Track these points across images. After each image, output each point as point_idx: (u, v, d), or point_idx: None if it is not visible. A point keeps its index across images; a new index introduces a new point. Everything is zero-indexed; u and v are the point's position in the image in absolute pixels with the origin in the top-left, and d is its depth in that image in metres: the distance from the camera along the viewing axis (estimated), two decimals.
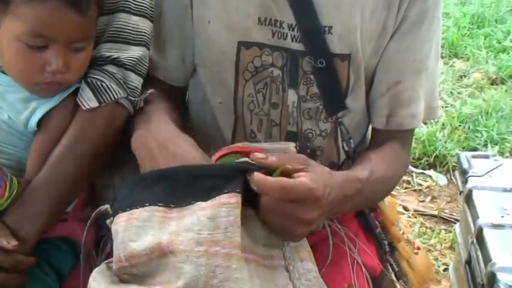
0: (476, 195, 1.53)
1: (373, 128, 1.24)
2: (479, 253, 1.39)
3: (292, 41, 1.12)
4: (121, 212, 0.91)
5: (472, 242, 1.44)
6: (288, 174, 0.89)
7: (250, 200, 0.90)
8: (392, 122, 1.18)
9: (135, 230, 0.88)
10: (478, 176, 1.59)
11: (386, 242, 1.24)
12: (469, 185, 1.56)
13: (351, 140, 1.20)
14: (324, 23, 1.10)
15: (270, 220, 0.90)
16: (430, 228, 2.44)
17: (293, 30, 1.11)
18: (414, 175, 2.73)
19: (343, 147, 1.21)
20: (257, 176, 0.87)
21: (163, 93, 1.19)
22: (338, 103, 1.16)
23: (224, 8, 1.12)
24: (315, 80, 1.14)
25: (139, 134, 1.05)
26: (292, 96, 1.15)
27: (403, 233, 1.28)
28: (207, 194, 0.88)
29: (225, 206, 0.86)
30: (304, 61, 1.12)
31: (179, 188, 0.91)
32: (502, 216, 1.44)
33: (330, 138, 1.20)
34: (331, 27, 1.10)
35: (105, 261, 0.94)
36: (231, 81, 1.16)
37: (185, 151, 0.99)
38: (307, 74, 1.14)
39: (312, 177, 0.89)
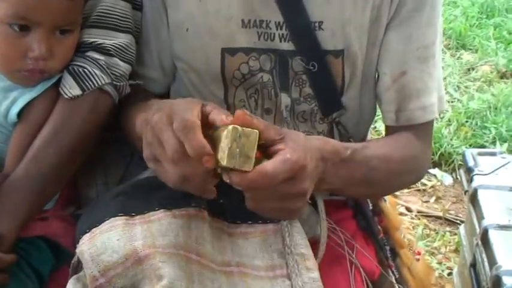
0: (481, 195, 1.54)
1: (385, 126, 1.23)
2: (484, 256, 1.40)
3: (280, 41, 1.11)
4: (82, 236, 0.95)
5: (477, 244, 1.45)
6: (265, 146, 0.91)
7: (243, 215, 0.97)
8: (402, 117, 1.17)
9: (100, 243, 0.92)
10: (484, 174, 1.60)
11: (388, 248, 1.24)
12: (474, 184, 1.58)
13: (351, 140, 1.20)
14: (313, 18, 1.10)
15: (265, 208, 0.93)
16: (434, 230, 2.45)
17: (281, 29, 1.11)
18: None
19: None
20: (235, 177, 0.87)
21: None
22: (334, 102, 1.17)
23: (203, 12, 1.12)
24: (307, 80, 1.14)
25: (142, 116, 1.03)
26: (285, 100, 1.15)
27: (404, 238, 1.29)
28: (169, 203, 0.96)
29: (194, 218, 0.95)
30: (294, 61, 1.13)
31: (139, 198, 0.98)
32: (509, 220, 1.45)
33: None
34: (322, 22, 1.10)
35: (74, 276, 0.96)
36: (220, 88, 1.17)
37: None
38: (298, 74, 1.14)
39: (292, 146, 0.90)
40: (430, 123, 1.21)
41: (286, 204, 0.93)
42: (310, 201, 1.08)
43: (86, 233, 0.96)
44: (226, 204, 1.02)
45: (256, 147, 0.87)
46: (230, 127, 0.86)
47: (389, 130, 1.21)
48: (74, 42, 1.09)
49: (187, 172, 0.89)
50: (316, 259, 1.01)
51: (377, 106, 1.24)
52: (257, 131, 0.87)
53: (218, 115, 0.89)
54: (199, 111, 0.90)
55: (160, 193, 1.00)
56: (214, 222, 1.00)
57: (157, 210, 0.97)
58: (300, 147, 0.92)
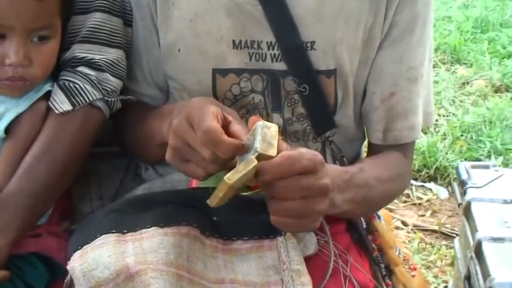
0: (475, 208, 1.55)
1: (369, 142, 1.24)
2: (478, 268, 1.40)
3: (272, 61, 1.12)
4: (73, 253, 0.96)
5: (471, 256, 1.46)
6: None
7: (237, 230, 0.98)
8: (389, 137, 1.19)
9: (92, 260, 0.92)
10: (478, 187, 1.61)
11: (383, 265, 1.24)
12: (467, 197, 1.58)
13: (344, 159, 1.20)
14: (305, 38, 1.10)
15: (288, 210, 0.91)
16: (430, 244, 2.44)
17: (273, 49, 1.11)
18: (414, 188, 2.74)
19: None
20: (262, 165, 0.88)
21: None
22: (326, 122, 1.17)
23: (194, 33, 1.12)
24: (299, 99, 1.14)
25: (167, 120, 1.03)
26: (277, 120, 1.15)
27: (399, 254, 1.29)
28: (162, 220, 0.97)
29: (186, 237, 0.95)
30: (286, 81, 1.13)
31: (131, 215, 0.99)
32: (502, 229, 1.45)
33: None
34: (314, 42, 1.10)
35: None
36: None
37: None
38: (290, 94, 1.14)
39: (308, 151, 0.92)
40: (414, 142, 1.24)
41: (310, 203, 0.90)
42: None
43: (78, 250, 0.96)
44: (220, 221, 1.02)
45: (277, 137, 0.89)
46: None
47: (374, 148, 1.22)
48: (54, 48, 1.09)
49: (220, 166, 0.91)
50: (324, 278, 1.02)
51: None
52: (276, 125, 0.90)
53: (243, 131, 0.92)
54: (218, 114, 0.92)
55: (153, 211, 1.00)
56: (208, 240, 1.00)
57: (149, 227, 0.97)
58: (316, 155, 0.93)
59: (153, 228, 0.97)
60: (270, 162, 0.88)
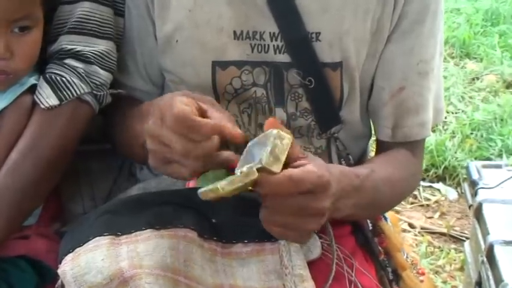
0: (486, 209, 1.55)
1: (377, 140, 1.24)
2: (490, 273, 1.40)
3: (275, 52, 1.12)
4: (65, 256, 0.96)
5: (482, 261, 1.46)
6: (286, 163, 0.91)
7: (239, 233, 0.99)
8: (399, 134, 1.19)
9: (84, 263, 0.92)
10: (489, 188, 1.61)
11: (390, 270, 1.24)
12: (479, 198, 1.58)
13: (350, 156, 1.20)
14: (310, 29, 1.10)
15: (277, 221, 0.92)
16: (439, 247, 2.45)
17: (276, 40, 1.11)
18: (421, 189, 2.74)
19: (340, 164, 1.20)
20: (261, 179, 0.88)
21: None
22: (332, 117, 1.17)
23: (192, 23, 1.12)
24: (303, 93, 1.14)
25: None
26: (280, 115, 1.15)
27: (406, 258, 1.29)
28: (158, 222, 0.97)
29: (183, 240, 0.95)
30: (289, 74, 1.13)
31: (125, 216, 0.99)
32: None
33: (326, 155, 1.20)
34: (319, 33, 1.10)
35: None
36: None
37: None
38: (294, 88, 1.14)
39: (316, 164, 0.92)
40: (424, 140, 1.24)
41: (301, 221, 0.92)
42: None
43: (69, 253, 0.96)
44: (219, 223, 1.02)
45: (287, 152, 0.88)
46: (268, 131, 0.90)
47: (383, 145, 1.22)
48: (37, 39, 1.09)
49: (201, 161, 0.91)
50: (327, 282, 1.02)
51: None
52: (291, 136, 0.89)
53: (232, 128, 0.92)
54: (189, 102, 0.92)
55: (148, 212, 1.00)
56: (206, 244, 1.00)
57: (145, 229, 0.98)
58: (323, 166, 0.93)
59: (148, 230, 0.97)
60: (270, 179, 0.88)
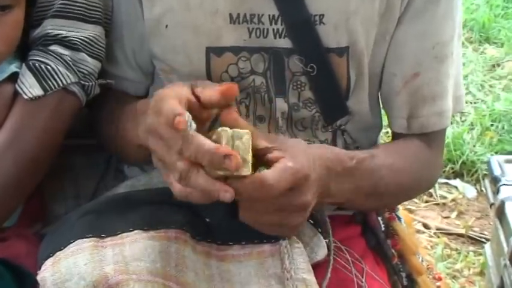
0: (509, 208, 1.55)
1: (393, 133, 1.24)
2: None
3: (275, 37, 1.11)
4: (44, 261, 0.96)
5: (505, 264, 1.46)
6: (260, 156, 0.91)
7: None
8: (414, 124, 1.18)
9: (65, 269, 0.92)
10: None
11: (404, 275, 1.24)
12: (501, 196, 1.59)
13: (359, 150, 1.19)
14: (313, 11, 1.09)
15: (261, 221, 0.93)
16: (456, 250, 2.45)
17: (276, 23, 1.10)
18: (437, 186, 2.75)
19: None
20: (233, 184, 0.87)
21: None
22: (338, 107, 1.16)
23: (184, 6, 1.11)
24: (307, 82, 1.14)
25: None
26: (281, 105, 1.15)
27: (422, 261, 1.29)
28: (146, 222, 0.97)
29: (174, 242, 0.95)
30: (291, 61, 1.13)
31: (110, 216, 0.98)
32: None
33: None
34: (323, 15, 1.10)
35: None
36: None
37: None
38: (296, 76, 1.14)
39: (292, 153, 0.91)
40: (444, 131, 1.23)
41: (285, 218, 0.93)
42: (312, 222, 1.09)
43: (49, 257, 0.96)
44: (214, 223, 1.02)
45: (251, 149, 0.88)
46: (219, 129, 0.88)
47: (399, 138, 1.22)
48: (18, 19, 1.08)
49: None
50: (321, 286, 1.01)
51: None
52: (248, 131, 0.88)
53: (206, 94, 0.91)
54: (181, 96, 0.91)
55: (136, 212, 1.00)
56: (199, 246, 1.00)
57: (132, 231, 0.97)
58: (301, 153, 0.93)
59: (136, 231, 0.97)
60: (242, 187, 0.87)
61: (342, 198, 1.05)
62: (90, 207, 1.04)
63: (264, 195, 0.88)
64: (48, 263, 0.95)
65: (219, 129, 0.88)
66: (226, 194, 0.86)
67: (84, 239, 0.96)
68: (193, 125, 0.87)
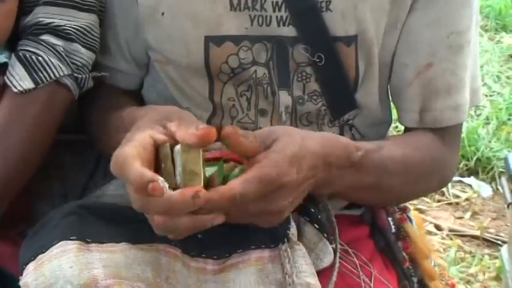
0: None
1: (404, 128, 1.24)
2: None
3: (279, 25, 1.11)
4: (26, 266, 0.95)
5: None
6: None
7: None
8: (427, 118, 1.18)
9: (50, 273, 0.91)
10: None
11: (416, 280, 1.25)
12: None
13: None
14: None
15: (237, 221, 0.92)
16: (470, 253, 2.46)
17: (279, 10, 1.10)
18: (450, 184, 2.75)
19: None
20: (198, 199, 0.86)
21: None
22: (346, 101, 1.17)
23: None
24: (312, 73, 1.14)
25: None
26: (284, 99, 1.15)
27: (434, 265, 1.29)
28: (133, 237, 0.97)
29: (163, 255, 0.96)
30: (295, 51, 1.13)
31: (96, 223, 0.98)
32: None
33: None
34: (330, 2, 1.10)
35: None
36: (204, 84, 1.16)
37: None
38: (301, 67, 1.14)
39: (274, 158, 0.90)
40: (460, 126, 1.23)
41: (261, 220, 0.93)
42: (317, 226, 1.09)
43: (31, 261, 0.95)
44: (207, 238, 1.01)
45: (201, 160, 0.87)
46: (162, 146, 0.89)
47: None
48: (11, 8, 1.08)
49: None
50: (331, 278, 1.02)
51: None
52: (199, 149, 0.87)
53: (181, 135, 0.88)
54: (151, 135, 0.90)
55: (122, 226, 1.00)
56: (194, 262, 1.00)
57: (119, 242, 0.97)
58: (285, 158, 0.91)
59: (123, 243, 0.97)
60: (209, 203, 0.86)
61: (339, 190, 1.04)
62: (74, 207, 1.03)
63: (232, 206, 0.87)
64: (30, 267, 0.94)
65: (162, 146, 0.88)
66: (218, 218, 0.87)
67: (69, 241, 0.95)
68: (166, 184, 0.85)
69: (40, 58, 1.09)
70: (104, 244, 0.96)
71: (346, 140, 1.04)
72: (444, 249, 2.44)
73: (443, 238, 2.52)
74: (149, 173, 0.83)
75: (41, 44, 1.11)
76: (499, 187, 2.63)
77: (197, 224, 0.86)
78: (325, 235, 1.09)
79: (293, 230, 1.03)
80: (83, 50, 1.13)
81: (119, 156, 0.86)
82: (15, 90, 1.08)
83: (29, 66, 1.09)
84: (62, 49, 1.11)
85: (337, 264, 1.08)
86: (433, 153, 1.18)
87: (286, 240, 1.01)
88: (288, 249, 1.00)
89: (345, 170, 1.01)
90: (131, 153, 0.86)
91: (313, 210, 1.10)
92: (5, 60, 1.11)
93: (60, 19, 1.12)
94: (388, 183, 1.10)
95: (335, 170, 0.99)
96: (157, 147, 0.89)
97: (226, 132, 0.88)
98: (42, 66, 1.09)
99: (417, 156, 1.14)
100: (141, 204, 0.86)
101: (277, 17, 1.11)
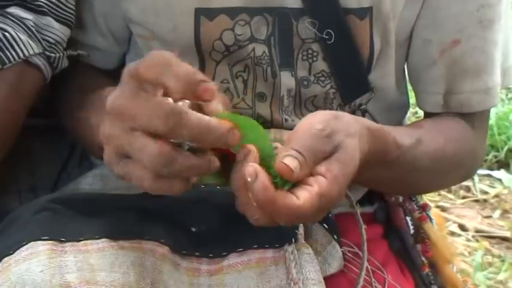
0: None
1: (424, 113, 1.25)
2: None
3: None
4: None
5: None
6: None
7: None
8: (453, 102, 1.19)
9: (17, 277, 0.91)
10: None
11: (436, 287, 1.25)
12: None
13: None
14: None
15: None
16: (499, 257, 2.47)
17: None
18: (476, 178, 2.77)
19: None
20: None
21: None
22: (358, 82, 1.17)
23: None
24: (320, 51, 1.14)
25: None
26: (287, 81, 1.15)
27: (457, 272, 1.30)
28: (115, 230, 0.97)
29: (149, 255, 0.96)
30: (300, 25, 1.13)
31: (72, 218, 0.99)
32: None
33: None
34: None
35: None
36: (194, 63, 1.16)
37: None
38: (307, 43, 1.14)
39: (337, 175, 0.87)
40: (488, 112, 1.24)
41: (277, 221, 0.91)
42: (327, 227, 1.09)
43: None
44: (202, 232, 1.02)
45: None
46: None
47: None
48: None
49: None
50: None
51: None
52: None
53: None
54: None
55: (104, 216, 1.00)
56: (185, 262, 0.99)
57: (98, 238, 0.97)
58: (346, 175, 0.88)
59: (103, 240, 0.97)
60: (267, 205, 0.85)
61: (367, 184, 1.10)
62: (47, 202, 1.03)
63: (285, 215, 0.85)
64: None
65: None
66: (234, 133, 0.83)
67: (40, 242, 0.94)
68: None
69: (7, 34, 1.09)
70: (81, 242, 0.96)
71: (393, 137, 1.04)
72: (469, 253, 2.46)
73: (468, 240, 2.53)
74: (202, 75, 0.82)
75: (8, 18, 1.10)
76: None
77: (195, 163, 0.83)
78: (335, 237, 1.10)
79: (301, 230, 1.03)
80: (56, 24, 1.13)
81: (160, 55, 0.82)
82: None
83: None
84: (31, 24, 1.11)
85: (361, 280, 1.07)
86: (465, 145, 1.20)
87: (293, 240, 1.01)
88: (295, 251, 1.00)
89: (381, 166, 1.02)
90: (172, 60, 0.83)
91: None
92: None
93: None
94: (415, 177, 1.13)
95: (370, 167, 0.98)
96: None
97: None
98: (9, 43, 1.09)
99: (450, 150, 1.16)
100: (173, 114, 0.81)
101: None
